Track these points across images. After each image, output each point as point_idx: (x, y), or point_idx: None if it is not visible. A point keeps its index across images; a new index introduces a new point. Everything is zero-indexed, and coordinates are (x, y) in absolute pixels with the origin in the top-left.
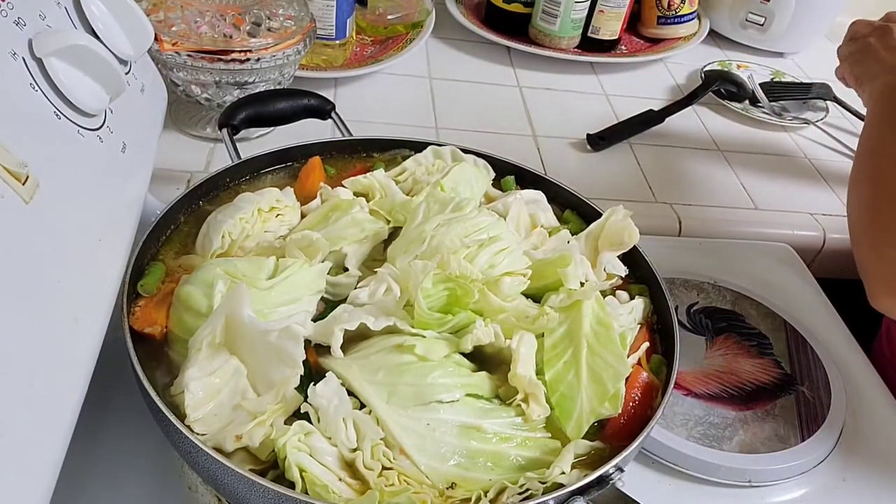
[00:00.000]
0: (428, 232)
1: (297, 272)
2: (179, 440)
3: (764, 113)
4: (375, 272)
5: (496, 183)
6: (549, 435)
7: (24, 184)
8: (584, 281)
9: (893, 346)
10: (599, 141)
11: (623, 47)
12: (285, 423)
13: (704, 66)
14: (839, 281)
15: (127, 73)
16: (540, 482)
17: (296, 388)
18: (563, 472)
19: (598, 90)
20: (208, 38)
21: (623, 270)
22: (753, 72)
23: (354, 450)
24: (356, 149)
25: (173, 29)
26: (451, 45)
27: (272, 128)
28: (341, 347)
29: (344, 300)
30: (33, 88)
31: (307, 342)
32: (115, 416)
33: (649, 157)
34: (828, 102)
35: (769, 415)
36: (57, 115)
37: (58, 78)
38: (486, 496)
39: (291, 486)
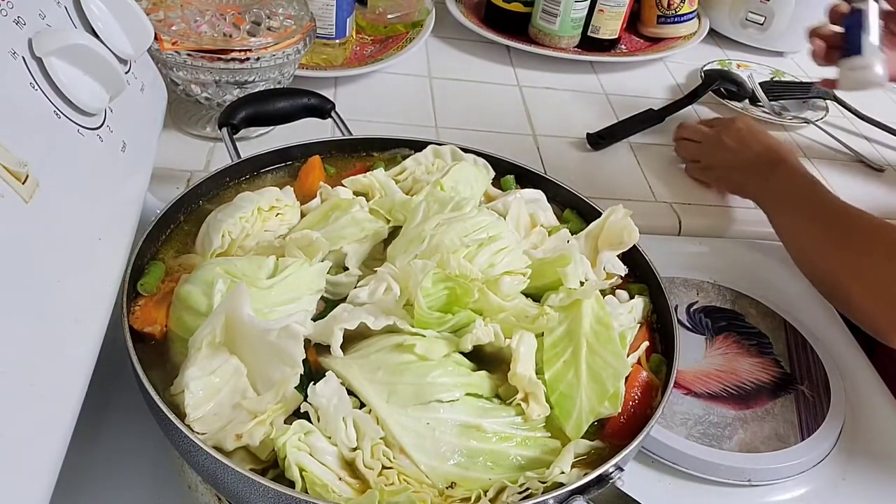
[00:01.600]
0: (427, 231)
1: (297, 271)
2: (179, 439)
3: (764, 112)
4: (375, 271)
5: (496, 182)
6: (549, 434)
7: (24, 183)
8: (583, 280)
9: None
10: (599, 140)
11: (623, 46)
12: (285, 422)
13: (704, 66)
14: None
15: (127, 73)
16: (540, 481)
17: (296, 388)
18: (563, 472)
19: (598, 89)
20: (208, 37)
21: (623, 269)
22: (753, 71)
23: (354, 449)
24: (356, 148)
25: (173, 28)
26: (451, 45)
27: (272, 127)
28: (341, 347)
29: (344, 299)
30: (33, 88)
31: (307, 341)
32: (114, 415)
33: (649, 157)
34: (827, 102)
35: (769, 414)
36: (57, 114)
37: (58, 77)
38: (485, 495)
39: (291, 485)
